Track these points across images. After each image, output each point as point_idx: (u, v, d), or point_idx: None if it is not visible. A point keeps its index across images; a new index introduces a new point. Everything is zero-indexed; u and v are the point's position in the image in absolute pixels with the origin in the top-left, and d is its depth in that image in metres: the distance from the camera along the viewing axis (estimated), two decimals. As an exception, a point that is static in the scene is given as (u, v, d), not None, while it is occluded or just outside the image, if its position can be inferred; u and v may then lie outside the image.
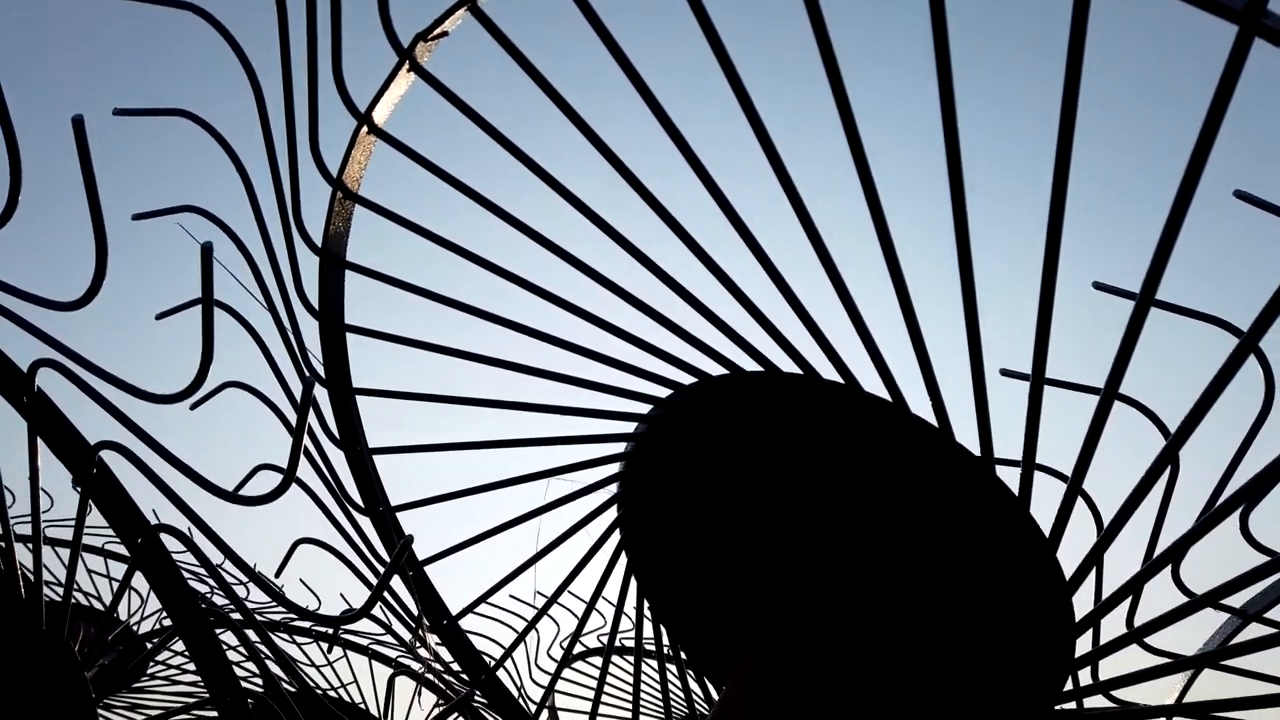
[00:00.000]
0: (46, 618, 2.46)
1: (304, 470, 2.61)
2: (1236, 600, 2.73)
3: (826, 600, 1.79)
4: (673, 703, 4.83)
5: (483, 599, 2.61)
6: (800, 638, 1.76)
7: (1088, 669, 2.12)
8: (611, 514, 2.25)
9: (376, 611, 2.68)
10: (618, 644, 5.19)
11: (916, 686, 1.88)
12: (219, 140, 2.20)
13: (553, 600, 2.40)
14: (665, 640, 2.40)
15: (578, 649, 5.10)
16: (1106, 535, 1.55)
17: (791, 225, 1.56)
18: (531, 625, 2.54)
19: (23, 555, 2.48)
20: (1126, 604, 2.20)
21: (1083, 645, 2.06)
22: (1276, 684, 2.32)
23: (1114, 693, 2.09)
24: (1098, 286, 2.26)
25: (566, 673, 4.90)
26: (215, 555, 2.28)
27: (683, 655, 2.37)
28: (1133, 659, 2.16)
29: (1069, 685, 1.76)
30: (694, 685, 4.92)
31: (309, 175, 2.17)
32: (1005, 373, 2.14)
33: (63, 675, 2.51)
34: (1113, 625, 2.29)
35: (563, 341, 2.00)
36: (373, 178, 2.21)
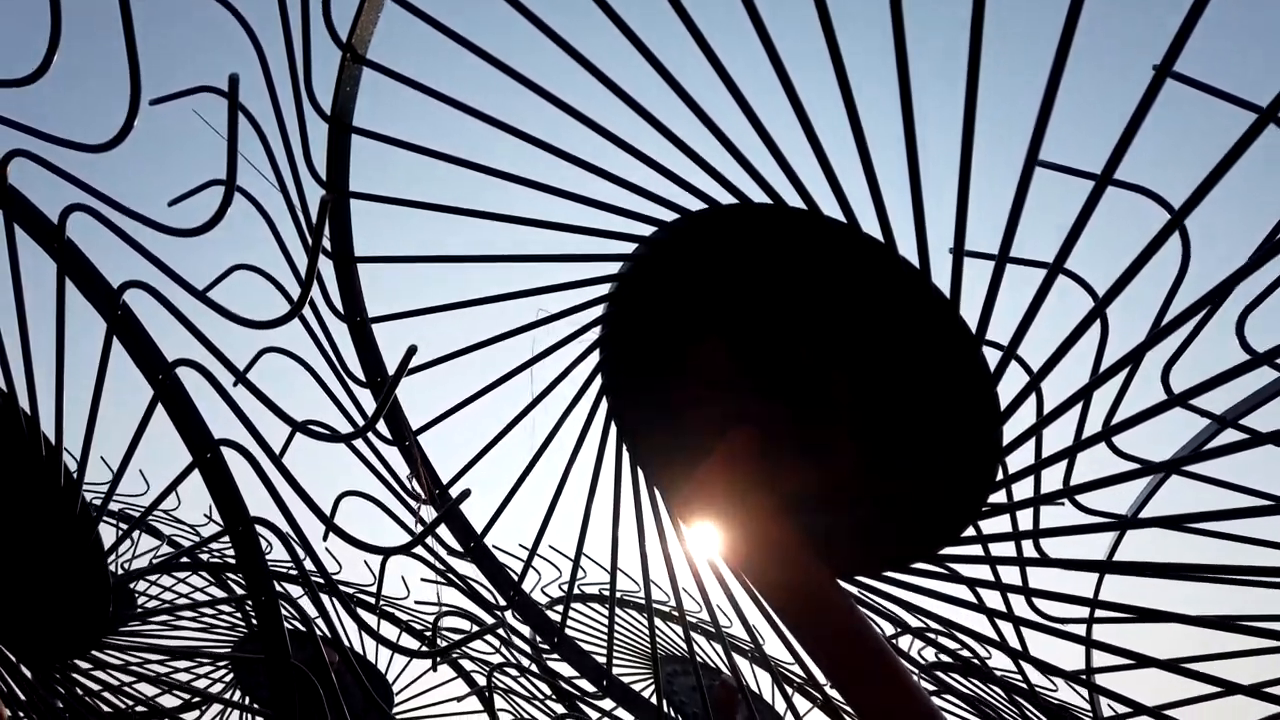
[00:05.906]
0: (65, 477, 2.65)
1: (305, 347, 2.81)
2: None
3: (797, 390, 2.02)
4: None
5: (475, 460, 2.80)
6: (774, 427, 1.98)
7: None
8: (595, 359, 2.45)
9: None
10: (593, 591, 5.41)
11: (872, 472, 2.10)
12: (231, 10, 2.38)
13: (529, 407, 2.59)
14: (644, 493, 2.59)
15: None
16: (1025, 319, 1.77)
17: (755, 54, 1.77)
18: (523, 478, 2.73)
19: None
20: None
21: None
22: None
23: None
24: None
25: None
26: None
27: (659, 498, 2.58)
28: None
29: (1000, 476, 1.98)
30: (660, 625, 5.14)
31: (320, 51, 2.36)
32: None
33: (77, 531, 2.69)
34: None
35: (549, 188, 2.20)
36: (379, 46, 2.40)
